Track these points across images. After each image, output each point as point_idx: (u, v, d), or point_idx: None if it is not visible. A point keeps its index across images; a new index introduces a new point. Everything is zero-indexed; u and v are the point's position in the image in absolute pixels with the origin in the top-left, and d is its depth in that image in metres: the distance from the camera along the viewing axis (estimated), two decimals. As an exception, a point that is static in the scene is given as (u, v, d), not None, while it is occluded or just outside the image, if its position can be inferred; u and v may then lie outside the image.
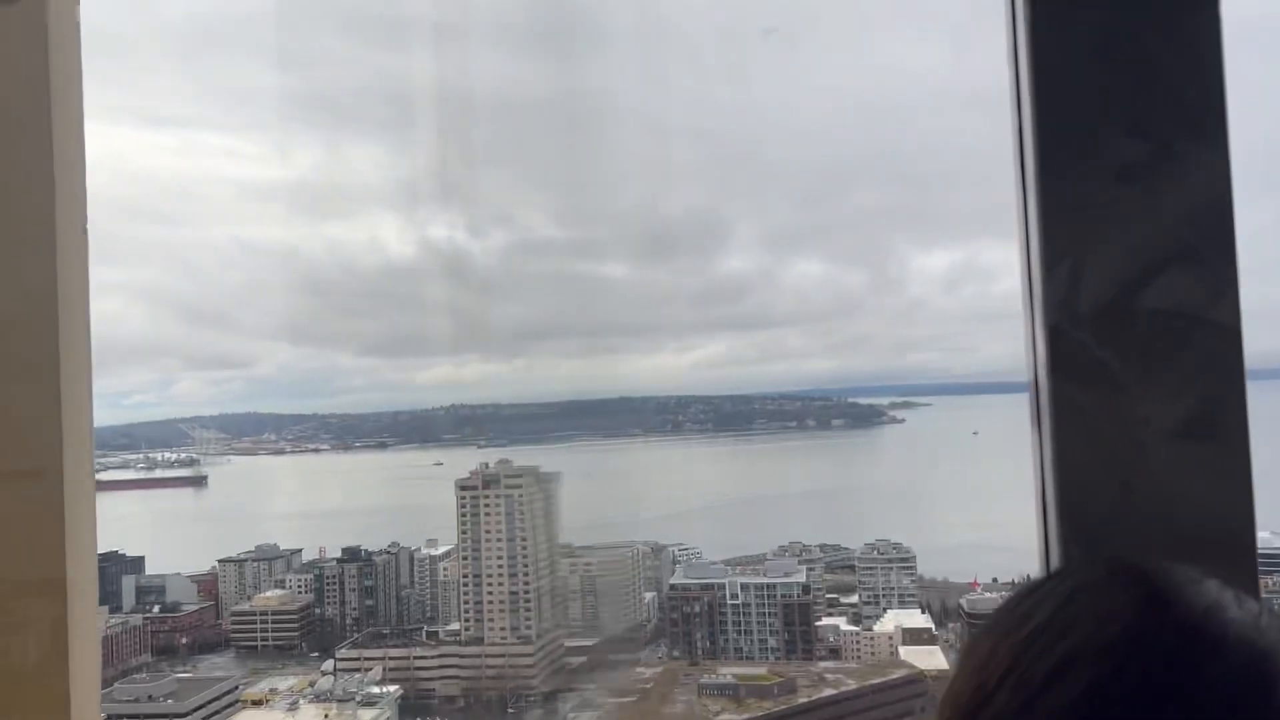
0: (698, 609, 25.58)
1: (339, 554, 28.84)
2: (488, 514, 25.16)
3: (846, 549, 28.82)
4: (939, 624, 26.76)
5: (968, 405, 42.46)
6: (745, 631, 25.42)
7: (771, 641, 25.46)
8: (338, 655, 25.76)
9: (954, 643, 26.18)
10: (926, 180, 48.13)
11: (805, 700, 22.68)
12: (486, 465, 25.97)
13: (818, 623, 26.12)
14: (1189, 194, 1.44)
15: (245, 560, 29.08)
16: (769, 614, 25.53)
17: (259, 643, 27.32)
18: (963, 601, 26.93)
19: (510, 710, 24.62)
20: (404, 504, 35.57)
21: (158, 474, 33.35)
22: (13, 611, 1.47)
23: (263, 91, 44.70)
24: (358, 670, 24.93)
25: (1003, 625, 0.93)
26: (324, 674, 24.69)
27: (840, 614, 26.77)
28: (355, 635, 27.16)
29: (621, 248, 45.41)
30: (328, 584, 28.06)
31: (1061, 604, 0.91)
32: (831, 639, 25.78)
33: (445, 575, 27.36)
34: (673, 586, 26.27)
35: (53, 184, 1.48)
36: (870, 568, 27.51)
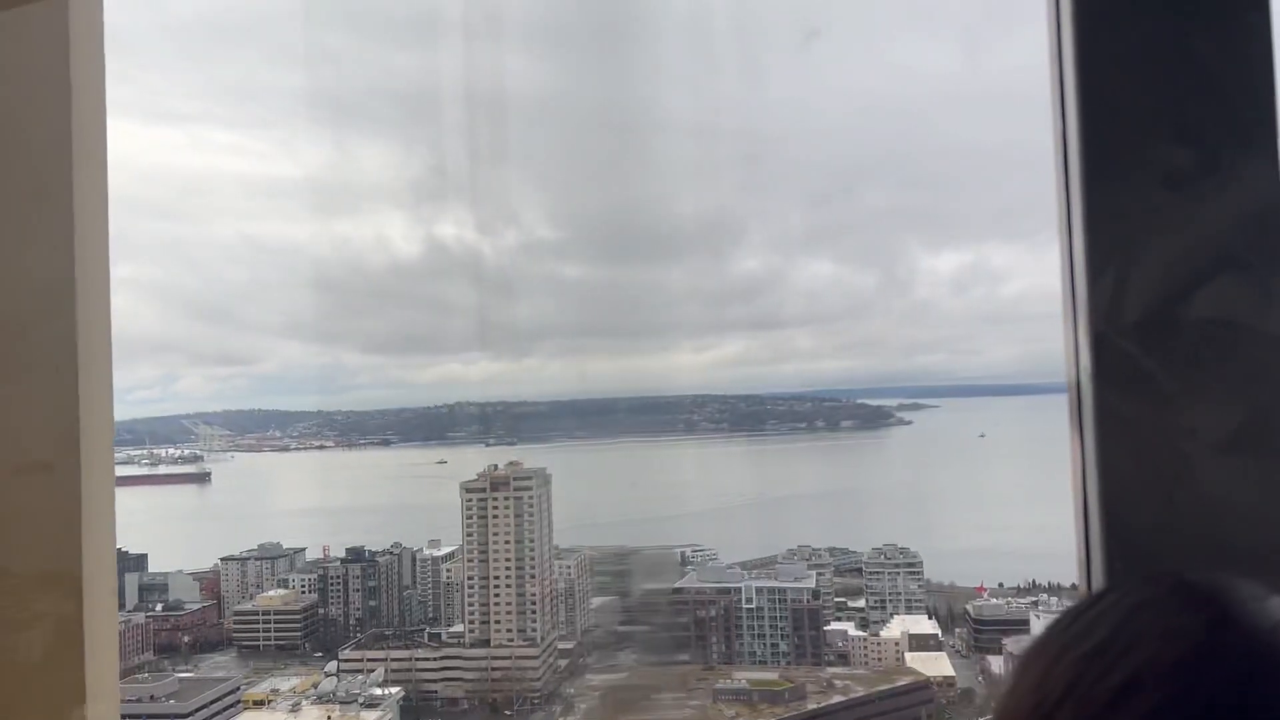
0: (713, 613, 25.50)
1: (342, 553, 28.77)
2: (495, 516, 25.05)
3: (855, 552, 28.74)
4: (945, 629, 26.69)
5: (974, 407, 42.44)
6: (759, 635, 25.34)
7: (783, 646, 25.40)
8: (341, 656, 25.70)
9: (960, 649, 26.16)
10: (936, 182, 48.11)
11: (815, 707, 22.63)
12: (495, 467, 25.86)
13: (826, 628, 26.06)
14: (1237, 202, 1.40)
15: (248, 559, 29.01)
16: (780, 618, 25.45)
17: (261, 642, 27.20)
18: (969, 607, 26.87)
19: (508, 713, 24.54)
20: (407, 503, 35.52)
21: (161, 470, 33.26)
22: (27, 605, 1.48)
23: (276, 89, 44.80)
24: (360, 672, 24.87)
25: (1061, 640, 0.90)
26: (327, 675, 24.62)
27: (848, 618, 26.70)
28: (358, 636, 27.09)
29: (635, 246, 45.38)
30: (331, 584, 27.97)
31: (1123, 620, 0.88)
32: (840, 644, 25.72)
33: (448, 577, 27.30)
34: (686, 590, 26.18)
35: (71, 181, 1.48)
36: (877, 572, 27.44)
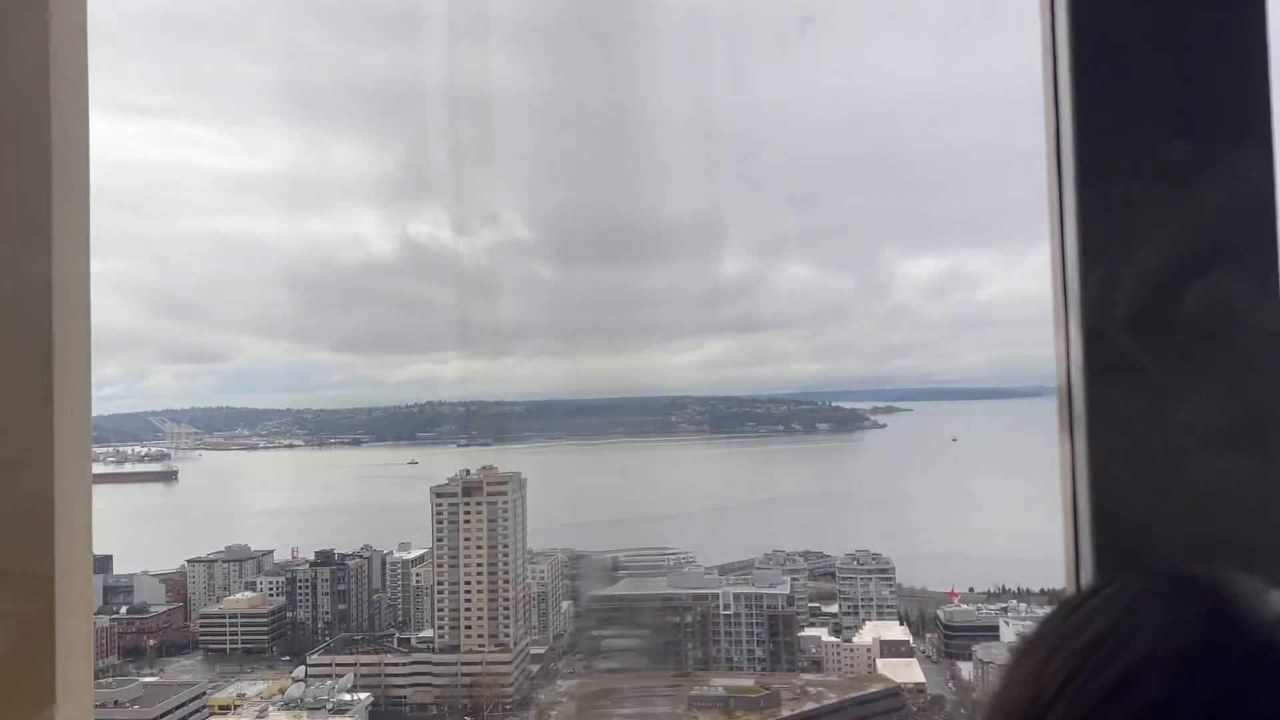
0: (689, 619, 25.49)
1: (311, 555, 28.50)
2: (468, 521, 24.85)
3: (829, 556, 28.85)
4: (916, 634, 26.87)
5: (948, 411, 42.83)
6: (736, 642, 25.35)
7: (759, 652, 25.43)
8: (309, 661, 25.43)
9: (930, 654, 26.35)
10: (915, 187, 48.49)
11: (788, 714, 22.70)
12: (468, 472, 25.64)
13: (800, 633, 26.14)
14: (1232, 196, 1.40)
15: (215, 561, 28.66)
16: (756, 624, 25.49)
17: (228, 646, 26.81)
18: (940, 613, 27.07)
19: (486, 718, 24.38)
20: (378, 504, 35.30)
21: (127, 468, 32.89)
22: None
23: (249, 83, 44.37)
24: (329, 677, 24.61)
25: (1058, 632, 0.89)
26: (294, 680, 24.35)
27: (822, 624, 26.81)
28: (327, 640, 26.82)
29: (614, 247, 45.35)
30: (299, 587, 27.67)
31: (1122, 613, 0.87)
32: (814, 650, 25.81)
33: (418, 580, 27.10)
34: (664, 596, 26.15)
35: (50, 176, 1.48)
36: (850, 577, 27.57)
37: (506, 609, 24.68)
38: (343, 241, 44.14)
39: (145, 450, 34.41)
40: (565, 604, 26.73)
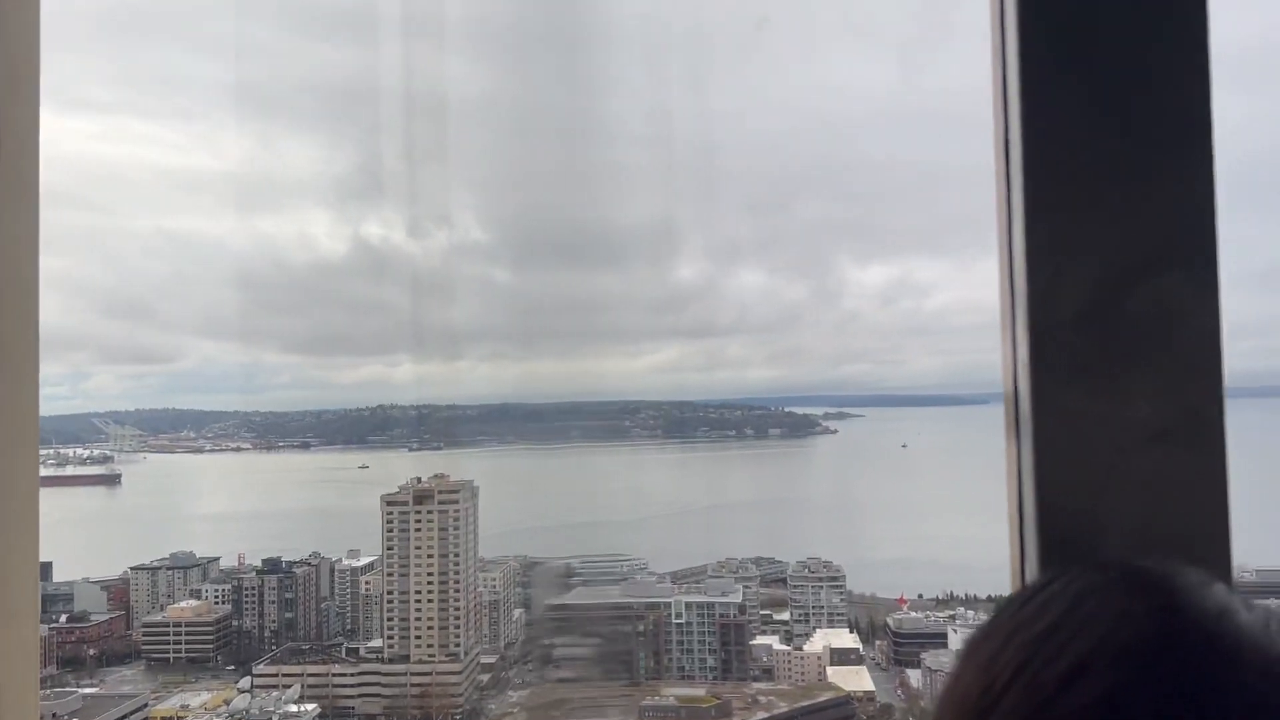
0: (641, 628, 25.41)
1: (258, 561, 28.07)
2: (418, 530, 24.58)
3: (781, 562, 28.97)
4: (866, 641, 27.07)
5: (897, 417, 43.42)
6: (687, 651, 25.32)
7: (710, 661, 25.42)
8: (255, 671, 25.00)
9: (880, 661, 26.56)
10: (868, 197, 49.04)
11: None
12: (419, 480, 25.35)
13: (752, 642, 26.20)
14: (1173, 197, 1.44)
15: (159, 568, 28.13)
16: (708, 633, 25.50)
17: (171, 655, 26.31)
18: (889, 620, 27.31)
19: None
20: (327, 509, 34.88)
21: (69, 471, 32.35)
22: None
23: (200, 80, 43.68)
24: (275, 687, 24.21)
25: (1009, 625, 0.90)
26: (240, 691, 23.95)
27: (773, 632, 26.90)
28: (274, 650, 26.39)
29: (569, 251, 45.27)
30: (246, 595, 27.22)
31: (1073, 605, 0.88)
32: (765, 659, 25.87)
33: (367, 589, 26.76)
34: (617, 605, 26.06)
35: None
36: (801, 585, 27.71)
37: (457, 618, 24.45)
38: (295, 241, 43.57)
39: (87, 452, 33.93)
40: (518, 612, 26.55)
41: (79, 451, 33.47)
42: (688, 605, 25.50)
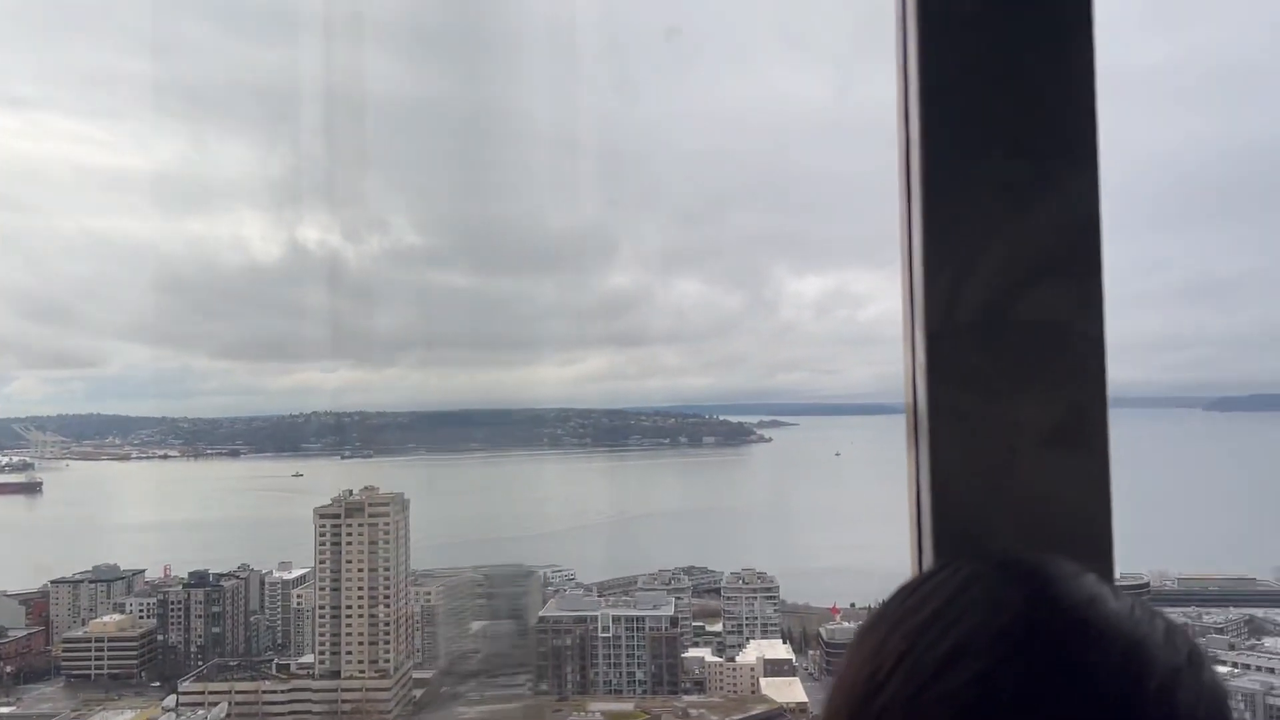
0: (569, 642, 25.30)
1: (185, 574, 27.50)
2: (349, 543, 24.30)
3: (713, 572, 29.15)
4: (799, 651, 27.31)
5: (831, 425, 43.86)
6: (615, 665, 25.26)
7: (640, 675, 25.42)
8: (180, 688, 24.48)
9: (813, 671, 26.82)
10: (804, 209, 49.53)
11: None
12: (350, 492, 25.05)
13: (684, 654, 26.28)
14: (1061, 212, 1.52)
15: (81, 581, 27.40)
16: (638, 647, 25.49)
17: (93, 672, 25.59)
18: (822, 630, 27.60)
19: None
20: (257, 517, 34.32)
21: (-14, 480, 31.63)
22: None
23: (126, 78, 42.50)
24: (201, 705, 23.74)
25: (895, 614, 0.95)
26: (165, 709, 23.45)
27: (706, 644, 27.03)
28: (200, 666, 25.89)
29: (505, 258, 44.98)
30: (172, 609, 26.63)
31: (954, 594, 0.94)
32: (697, 671, 25.96)
33: (299, 603, 26.36)
34: (544, 618, 25.89)
35: None
36: (735, 596, 27.88)
37: (387, 634, 24.22)
38: (225, 245, 42.65)
39: (7, 460, 33.20)
40: (447, 627, 26.36)
41: (-2, 459, 32.78)
42: (615, 619, 25.53)
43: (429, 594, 25.57)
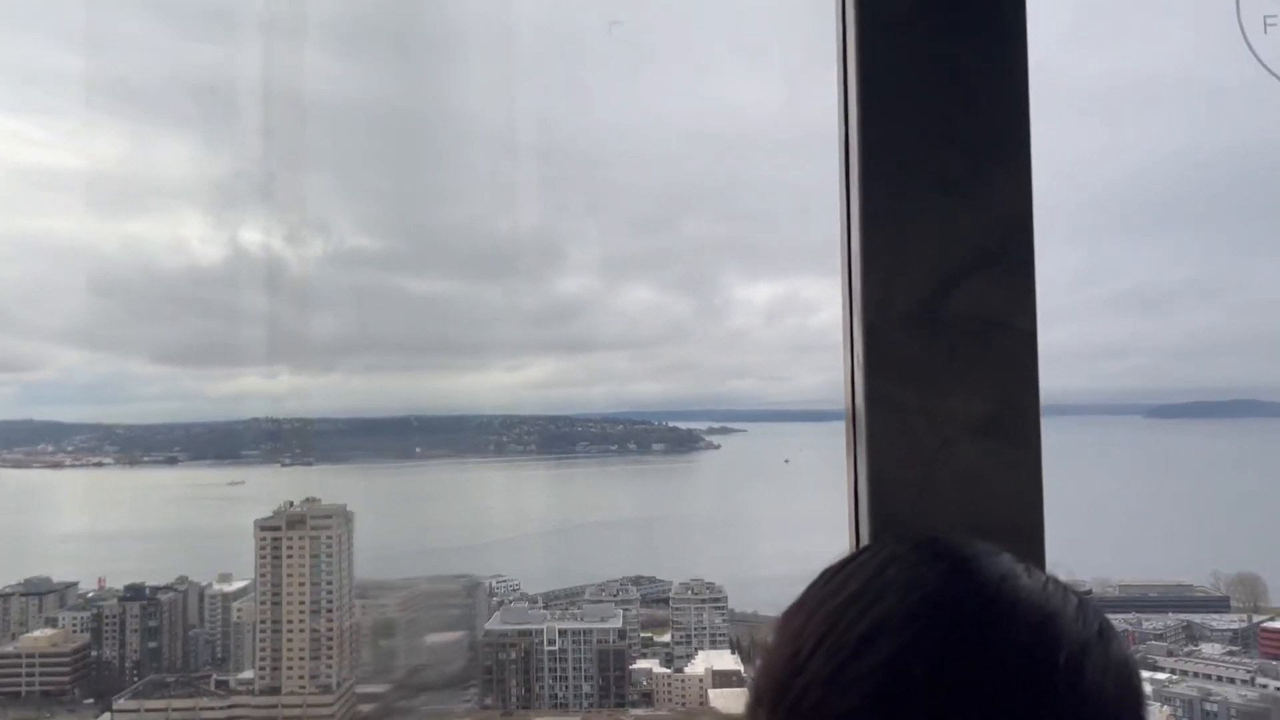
0: (514, 656, 25.19)
1: (120, 587, 26.99)
2: (290, 556, 23.99)
3: (662, 581, 29.16)
4: (748, 661, 27.38)
5: (781, 432, 44.14)
6: (561, 678, 25.22)
7: (586, 688, 25.41)
8: (115, 706, 24.04)
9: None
10: (754, 216, 49.74)
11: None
12: (291, 504, 24.69)
13: (632, 666, 26.29)
14: (994, 206, 1.56)
15: (11, 594, 26.82)
16: (584, 659, 25.53)
17: (24, 689, 25.30)
18: (771, 639, 27.79)
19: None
20: (195, 528, 33.70)
21: (-89, 490, 30.90)
22: None
23: (59, 72, 41.44)
24: (136, 723, 23.36)
25: (818, 596, 0.99)
26: (98, 727, 23.02)
27: (654, 655, 27.04)
28: (136, 683, 25.43)
29: (450, 262, 44.67)
30: (106, 623, 26.14)
31: (873, 575, 0.96)
32: (645, 682, 25.96)
33: (239, 616, 25.93)
34: (488, 632, 25.73)
35: None
36: (683, 606, 27.94)
37: (330, 648, 23.92)
38: (164, 246, 41.79)
39: (-68, 470, 32.34)
40: (388, 640, 26.09)
41: (-77, 469, 32.07)
42: (561, 632, 25.46)
43: (383, 605, 25.37)
